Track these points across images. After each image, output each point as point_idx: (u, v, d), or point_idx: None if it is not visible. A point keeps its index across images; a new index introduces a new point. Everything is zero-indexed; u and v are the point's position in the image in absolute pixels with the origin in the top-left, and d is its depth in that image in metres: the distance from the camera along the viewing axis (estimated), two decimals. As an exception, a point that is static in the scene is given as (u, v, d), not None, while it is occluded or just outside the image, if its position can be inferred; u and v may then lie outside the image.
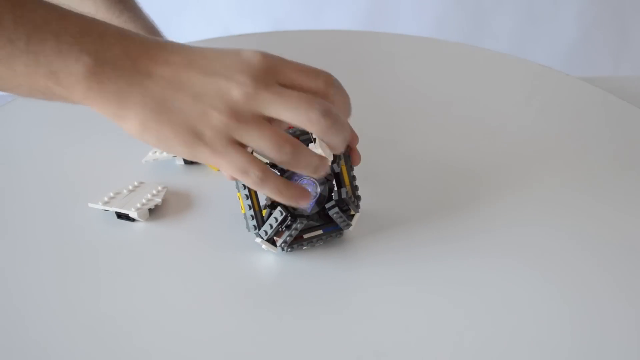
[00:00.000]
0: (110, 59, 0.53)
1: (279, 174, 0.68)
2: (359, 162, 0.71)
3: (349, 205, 0.69)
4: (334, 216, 0.69)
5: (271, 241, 0.70)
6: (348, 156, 0.71)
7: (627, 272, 0.69)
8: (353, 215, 0.71)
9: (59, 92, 0.54)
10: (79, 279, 0.69)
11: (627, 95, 0.97)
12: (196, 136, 0.55)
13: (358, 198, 0.71)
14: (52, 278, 0.69)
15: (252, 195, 0.68)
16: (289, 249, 0.70)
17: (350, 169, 0.71)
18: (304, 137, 0.68)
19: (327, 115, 0.56)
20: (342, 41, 1.08)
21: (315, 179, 0.68)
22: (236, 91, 0.54)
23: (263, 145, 0.56)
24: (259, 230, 0.69)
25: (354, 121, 0.72)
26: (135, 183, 0.78)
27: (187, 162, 0.81)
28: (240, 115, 0.54)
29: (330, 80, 0.58)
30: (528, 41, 2.00)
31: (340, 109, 0.59)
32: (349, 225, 0.70)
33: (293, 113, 0.55)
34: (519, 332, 0.63)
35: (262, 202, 0.70)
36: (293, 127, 0.70)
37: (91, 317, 0.65)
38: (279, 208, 0.67)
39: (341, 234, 0.71)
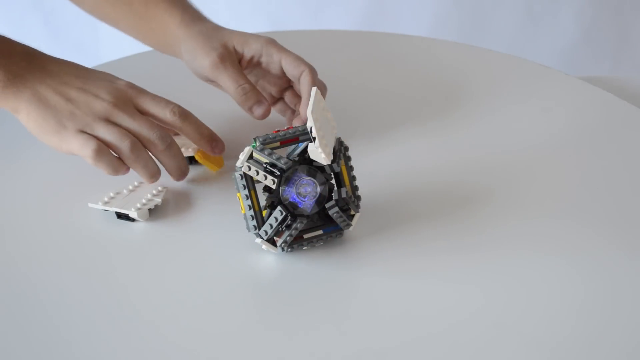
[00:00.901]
0: (17, 72, 0.73)
1: (278, 173, 0.68)
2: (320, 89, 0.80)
3: (349, 204, 0.69)
4: (334, 216, 0.69)
5: (271, 241, 0.70)
6: (349, 157, 0.71)
7: (629, 268, 0.69)
8: (353, 215, 0.71)
9: None
10: (79, 279, 0.69)
11: (627, 95, 0.97)
12: (61, 125, 0.73)
13: (358, 198, 0.71)
14: (52, 278, 0.69)
15: (252, 195, 0.68)
16: (289, 249, 0.70)
17: (350, 169, 0.71)
18: (304, 138, 0.68)
19: (161, 140, 0.74)
20: (342, 41, 1.08)
21: (315, 179, 0.68)
22: (98, 105, 0.73)
23: (108, 136, 0.72)
24: (259, 230, 0.69)
25: (353, 120, 0.72)
26: (135, 183, 0.78)
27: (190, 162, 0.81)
28: (95, 117, 0.73)
29: (176, 111, 0.75)
30: (528, 41, 1.99)
31: (189, 135, 0.76)
32: (349, 225, 0.70)
33: (137, 131, 0.73)
34: (519, 332, 0.63)
35: (262, 202, 0.70)
36: (294, 127, 0.70)
37: (91, 317, 0.65)
38: (279, 208, 0.67)
39: (341, 234, 0.71)
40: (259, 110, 0.81)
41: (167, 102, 0.75)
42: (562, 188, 0.79)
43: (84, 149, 0.72)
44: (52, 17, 1.93)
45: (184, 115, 0.75)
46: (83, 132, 0.72)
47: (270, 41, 0.82)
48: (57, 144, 0.73)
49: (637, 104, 0.92)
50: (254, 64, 0.83)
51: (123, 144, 0.72)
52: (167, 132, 0.74)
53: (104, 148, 0.72)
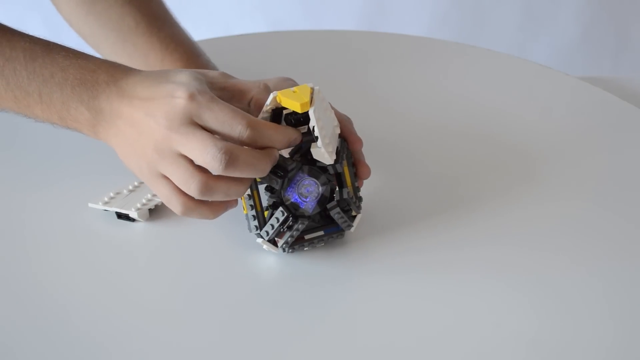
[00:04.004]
0: (98, 107, 0.66)
1: (282, 174, 0.68)
2: (368, 176, 0.71)
3: (350, 205, 0.69)
4: (335, 216, 0.69)
5: (272, 242, 0.69)
6: (350, 157, 0.71)
7: (628, 270, 0.69)
8: (355, 217, 0.71)
9: (71, 128, 0.69)
10: (79, 278, 0.69)
11: (627, 95, 0.97)
12: (139, 168, 0.66)
13: (360, 199, 0.71)
14: (52, 278, 0.69)
15: (254, 195, 0.68)
16: (290, 250, 0.70)
17: (352, 170, 0.70)
18: (307, 138, 0.68)
19: (220, 161, 0.62)
20: (342, 41, 1.08)
21: (317, 180, 0.68)
22: (157, 133, 0.64)
23: (176, 179, 0.64)
24: (260, 230, 0.69)
25: (353, 121, 0.72)
26: (136, 183, 0.77)
27: None
28: (163, 149, 0.64)
29: (244, 134, 0.63)
30: (528, 41, 1.99)
31: (261, 151, 0.65)
32: (350, 226, 0.70)
33: (194, 154, 0.63)
34: (519, 332, 0.63)
35: (265, 203, 0.70)
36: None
37: (91, 317, 0.65)
38: (280, 208, 0.67)
39: (342, 235, 0.71)
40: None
41: (234, 119, 0.63)
42: (562, 188, 0.79)
43: (170, 205, 0.66)
44: (52, 17, 1.93)
45: (258, 134, 0.64)
46: (160, 175, 0.65)
47: (266, 88, 0.71)
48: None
49: (637, 104, 0.92)
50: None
51: (191, 188, 0.64)
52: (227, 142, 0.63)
53: (189, 205, 0.65)
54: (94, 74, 0.67)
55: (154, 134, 0.63)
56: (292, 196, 0.68)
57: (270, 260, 0.70)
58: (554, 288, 0.67)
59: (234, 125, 0.63)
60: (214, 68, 0.82)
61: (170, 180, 0.64)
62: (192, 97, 0.63)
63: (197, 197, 0.64)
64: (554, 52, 2.00)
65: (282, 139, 0.65)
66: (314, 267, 0.69)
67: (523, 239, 0.72)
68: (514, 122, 0.89)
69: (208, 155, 0.62)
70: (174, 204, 0.65)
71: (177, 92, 0.63)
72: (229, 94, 0.67)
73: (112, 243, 0.72)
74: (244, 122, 0.63)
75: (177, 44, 0.82)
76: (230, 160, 0.62)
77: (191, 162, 0.63)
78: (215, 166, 0.62)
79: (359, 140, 0.71)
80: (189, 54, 0.82)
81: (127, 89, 0.66)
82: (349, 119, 0.72)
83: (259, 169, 0.64)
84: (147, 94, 0.65)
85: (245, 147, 0.64)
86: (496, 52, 1.04)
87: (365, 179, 0.72)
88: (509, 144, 0.85)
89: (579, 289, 0.67)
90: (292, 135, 0.66)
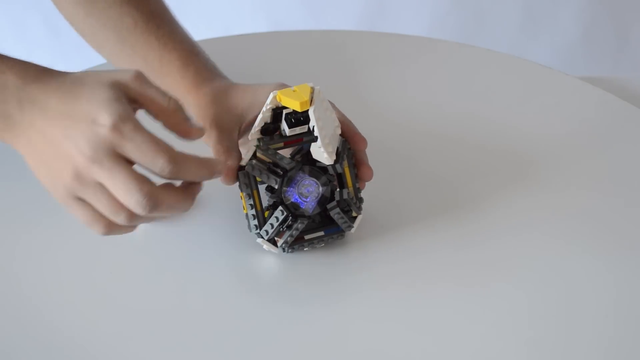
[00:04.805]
0: (8, 112, 0.63)
1: (281, 173, 0.68)
2: (370, 178, 0.71)
3: (350, 206, 0.69)
4: (335, 217, 0.69)
5: (272, 241, 0.70)
6: (352, 158, 0.71)
7: (628, 270, 0.69)
8: (355, 217, 0.71)
9: None
10: (79, 278, 0.69)
11: (627, 95, 0.97)
12: (57, 187, 0.63)
13: (360, 200, 0.71)
14: (52, 278, 0.69)
15: (254, 195, 0.68)
16: (289, 250, 0.70)
17: (353, 170, 0.70)
18: (308, 138, 0.68)
19: (143, 207, 0.61)
20: (342, 41, 1.08)
21: (317, 180, 0.68)
22: (77, 159, 0.61)
23: (100, 208, 0.62)
24: (260, 230, 0.69)
25: (353, 121, 0.72)
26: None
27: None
28: (83, 177, 0.61)
29: (166, 169, 0.61)
30: (528, 41, 1.99)
31: (184, 191, 0.63)
32: (350, 226, 0.70)
33: (118, 193, 0.61)
34: (519, 332, 0.63)
35: (266, 202, 0.70)
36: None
37: (91, 317, 0.65)
38: (280, 208, 0.67)
39: (343, 235, 0.71)
40: (217, 170, 0.68)
41: (156, 153, 0.61)
42: (562, 188, 0.79)
43: (90, 227, 0.64)
44: (52, 17, 1.93)
45: (178, 170, 0.62)
46: (78, 199, 0.63)
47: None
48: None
49: (637, 104, 0.92)
50: None
51: (118, 218, 0.62)
52: (151, 190, 0.61)
53: (113, 228, 0.64)
54: (3, 76, 0.64)
55: (74, 161, 0.61)
56: (292, 196, 0.68)
57: (270, 259, 0.70)
58: (554, 289, 0.67)
59: (155, 159, 0.60)
60: (212, 66, 0.82)
61: (91, 205, 0.63)
62: (115, 127, 0.60)
63: (124, 224, 0.63)
64: (554, 52, 2.00)
65: (204, 173, 0.63)
66: (313, 267, 0.69)
67: (523, 240, 0.72)
68: (514, 122, 0.89)
69: (132, 199, 0.60)
70: (96, 227, 0.63)
71: (99, 118, 0.61)
72: (139, 105, 0.65)
73: (112, 243, 0.72)
74: (165, 157, 0.60)
75: (176, 43, 0.82)
76: (153, 205, 0.61)
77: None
78: (138, 211, 0.61)
79: (364, 140, 0.71)
80: (187, 52, 0.81)
81: (40, 98, 0.63)
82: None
83: (182, 209, 0.64)
84: (63, 109, 0.62)
85: (168, 187, 0.62)
86: (496, 52, 1.04)
87: (367, 180, 0.72)
88: (509, 144, 0.85)
89: (579, 290, 0.67)
90: (215, 167, 0.64)
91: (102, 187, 0.61)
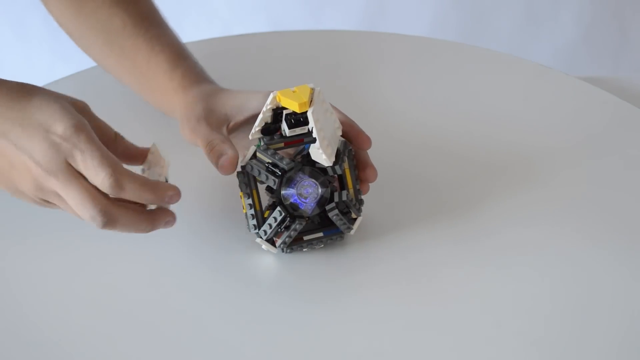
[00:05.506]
0: None
1: (279, 173, 0.67)
2: (374, 179, 0.71)
3: (350, 208, 0.69)
4: (334, 218, 0.68)
5: (271, 241, 0.69)
6: (352, 159, 0.70)
7: (631, 267, 0.69)
8: (355, 219, 0.71)
9: None
10: (78, 278, 0.69)
11: (627, 95, 0.97)
12: (22, 194, 0.62)
13: (360, 202, 0.71)
14: (52, 278, 0.69)
15: (253, 194, 0.68)
16: (288, 250, 0.70)
17: (354, 172, 0.70)
18: (308, 139, 0.68)
19: (98, 222, 0.60)
20: (342, 41, 1.08)
21: (316, 181, 0.68)
22: (34, 171, 0.60)
23: (69, 212, 0.61)
24: (258, 230, 0.69)
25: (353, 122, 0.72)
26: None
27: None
28: (43, 187, 0.61)
29: (106, 183, 0.59)
30: (528, 41, 1.99)
31: (125, 214, 0.61)
32: (349, 228, 0.70)
33: (73, 205, 0.60)
34: (519, 332, 0.63)
35: (266, 202, 0.70)
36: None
37: (90, 317, 0.65)
38: (278, 208, 0.67)
39: (342, 237, 0.71)
40: (222, 160, 0.70)
41: (100, 167, 0.59)
42: (562, 188, 0.79)
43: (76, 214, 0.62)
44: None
45: (119, 187, 0.60)
46: (42, 200, 0.63)
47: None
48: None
49: (638, 105, 0.92)
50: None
51: (94, 223, 0.61)
52: (107, 204, 0.60)
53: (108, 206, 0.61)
54: None
55: (32, 172, 0.60)
56: (291, 197, 0.68)
57: (268, 260, 0.70)
58: (554, 289, 0.67)
59: (97, 172, 0.59)
60: (200, 70, 0.81)
61: (64, 201, 0.61)
62: (68, 136, 0.59)
63: (99, 223, 0.61)
64: (554, 52, 2.00)
65: (150, 197, 0.61)
66: (312, 267, 0.69)
67: (524, 240, 0.72)
68: (514, 122, 0.89)
69: (86, 213, 0.60)
70: (83, 215, 0.61)
71: (53, 127, 0.60)
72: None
73: (111, 242, 0.72)
74: (106, 171, 0.59)
75: (164, 46, 0.81)
76: (108, 222, 0.60)
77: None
78: (94, 224, 0.61)
79: (368, 140, 0.71)
80: (175, 55, 0.81)
81: None
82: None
83: (140, 230, 0.62)
84: (12, 115, 0.61)
85: (126, 206, 0.61)
86: (497, 52, 1.04)
87: (371, 181, 0.71)
88: (509, 145, 0.85)
89: (579, 290, 0.67)
90: (164, 193, 0.62)
91: (59, 196, 0.61)
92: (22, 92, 0.62)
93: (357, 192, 0.70)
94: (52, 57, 1.89)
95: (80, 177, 0.60)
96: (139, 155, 0.66)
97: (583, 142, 0.86)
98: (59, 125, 0.60)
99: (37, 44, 1.91)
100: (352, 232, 0.71)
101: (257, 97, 0.72)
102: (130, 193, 0.60)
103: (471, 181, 0.80)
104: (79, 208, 0.60)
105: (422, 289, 0.68)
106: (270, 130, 0.69)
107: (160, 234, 0.74)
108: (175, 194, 0.63)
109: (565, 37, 1.99)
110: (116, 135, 0.65)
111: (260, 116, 0.67)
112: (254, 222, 0.69)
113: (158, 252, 0.72)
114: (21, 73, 1.95)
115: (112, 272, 0.70)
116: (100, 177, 0.59)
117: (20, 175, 0.61)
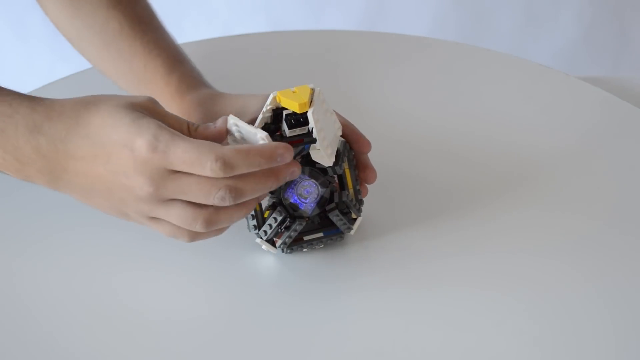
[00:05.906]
0: (30, 173, 0.63)
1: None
2: (373, 180, 0.71)
3: (350, 208, 0.69)
4: (334, 219, 0.68)
5: (271, 242, 0.69)
6: (352, 160, 0.70)
7: (627, 272, 0.69)
8: (355, 219, 0.71)
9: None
10: (79, 279, 0.69)
11: (627, 95, 0.96)
12: (125, 215, 0.63)
13: (360, 202, 0.71)
14: (52, 278, 0.69)
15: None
16: (288, 251, 0.70)
17: (354, 172, 0.70)
18: (308, 140, 0.68)
19: (226, 198, 0.60)
20: (342, 41, 1.08)
21: (316, 181, 0.68)
22: (139, 192, 0.60)
23: (175, 221, 0.61)
24: (258, 230, 0.69)
25: (353, 122, 0.72)
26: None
27: None
28: (151, 201, 0.61)
29: (215, 167, 0.59)
30: (528, 41, 1.99)
31: (248, 181, 0.61)
32: (349, 228, 0.70)
33: (197, 200, 0.60)
34: (519, 332, 0.63)
35: (265, 203, 0.70)
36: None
37: (90, 317, 0.65)
38: (278, 208, 0.67)
39: (342, 237, 0.71)
40: None
41: (201, 158, 0.59)
42: (562, 188, 0.79)
43: (175, 237, 0.64)
44: (52, 17, 1.93)
45: (229, 166, 0.59)
46: (148, 217, 0.63)
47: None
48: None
49: (638, 104, 0.92)
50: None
51: (196, 227, 0.62)
52: (227, 185, 0.60)
53: (194, 234, 0.63)
54: (12, 120, 0.62)
55: (134, 192, 0.60)
56: (291, 197, 0.67)
57: (269, 260, 0.70)
58: (553, 294, 0.67)
59: (202, 163, 0.58)
60: (197, 74, 0.81)
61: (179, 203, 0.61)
62: (154, 148, 0.59)
63: (203, 231, 0.62)
64: (554, 52, 2.00)
65: (261, 161, 0.60)
66: (312, 268, 0.69)
67: (524, 240, 0.72)
68: (514, 122, 0.89)
69: (211, 197, 0.59)
70: (180, 238, 0.63)
71: (135, 145, 0.59)
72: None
73: (112, 243, 0.72)
74: (210, 157, 0.58)
75: (161, 50, 0.81)
76: (237, 194, 0.60)
77: (186, 202, 0.61)
78: (226, 204, 0.60)
79: (368, 144, 0.70)
80: (171, 59, 0.80)
81: (58, 137, 0.61)
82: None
83: (268, 187, 0.62)
84: (90, 144, 0.60)
85: (245, 174, 0.60)
86: (497, 52, 1.04)
87: (371, 183, 0.71)
88: (509, 145, 0.85)
89: (581, 288, 0.67)
90: (275, 151, 0.61)
91: (171, 203, 0.61)
92: (87, 109, 0.61)
93: (357, 192, 0.70)
94: (52, 57, 1.89)
95: (184, 173, 0.59)
96: (217, 135, 0.64)
97: (583, 142, 0.86)
98: (140, 141, 0.59)
99: (37, 44, 1.91)
100: (352, 232, 0.71)
101: (256, 101, 0.72)
102: (242, 166, 0.59)
103: (471, 181, 0.80)
104: (201, 195, 0.59)
105: (422, 289, 0.68)
106: (270, 130, 0.69)
107: (158, 235, 0.74)
108: (286, 150, 0.61)
109: (565, 37, 1.99)
110: (189, 125, 0.64)
111: (260, 116, 0.67)
112: (254, 222, 0.69)
113: (158, 252, 0.72)
114: (21, 73, 1.95)
115: (112, 272, 0.70)
116: (207, 167, 0.58)
117: (123, 196, 0.61)
